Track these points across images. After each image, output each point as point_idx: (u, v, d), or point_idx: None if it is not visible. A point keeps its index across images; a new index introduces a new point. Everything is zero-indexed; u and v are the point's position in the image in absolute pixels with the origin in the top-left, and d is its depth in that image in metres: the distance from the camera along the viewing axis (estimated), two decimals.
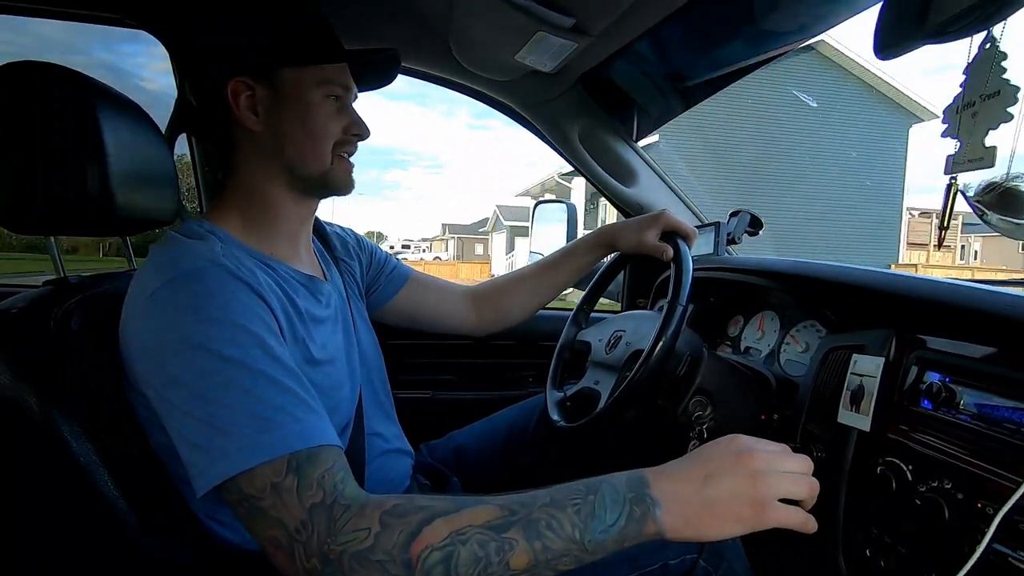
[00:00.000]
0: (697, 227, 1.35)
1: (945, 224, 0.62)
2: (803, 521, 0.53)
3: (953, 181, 0.59)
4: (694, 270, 1.18)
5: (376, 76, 0.82)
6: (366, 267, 1.01)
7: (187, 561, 0.67)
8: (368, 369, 0.87)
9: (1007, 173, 0.66)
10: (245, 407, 0.52)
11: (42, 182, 0.66)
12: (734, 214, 1.32)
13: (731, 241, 1.29)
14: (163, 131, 0.86)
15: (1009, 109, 0.52)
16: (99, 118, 0.68)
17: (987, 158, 0.55)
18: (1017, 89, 0.51)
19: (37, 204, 0.68)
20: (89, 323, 0.68)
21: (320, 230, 0.93)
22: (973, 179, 0.62)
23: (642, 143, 1.47)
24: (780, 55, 1.06)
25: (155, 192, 0.80)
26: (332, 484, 0.51)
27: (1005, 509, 0.51)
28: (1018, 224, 0.66)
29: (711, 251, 1.28)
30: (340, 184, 0.75)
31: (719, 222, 1.30)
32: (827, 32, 1.00)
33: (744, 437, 0.55)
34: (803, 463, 0.55)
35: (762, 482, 0.51)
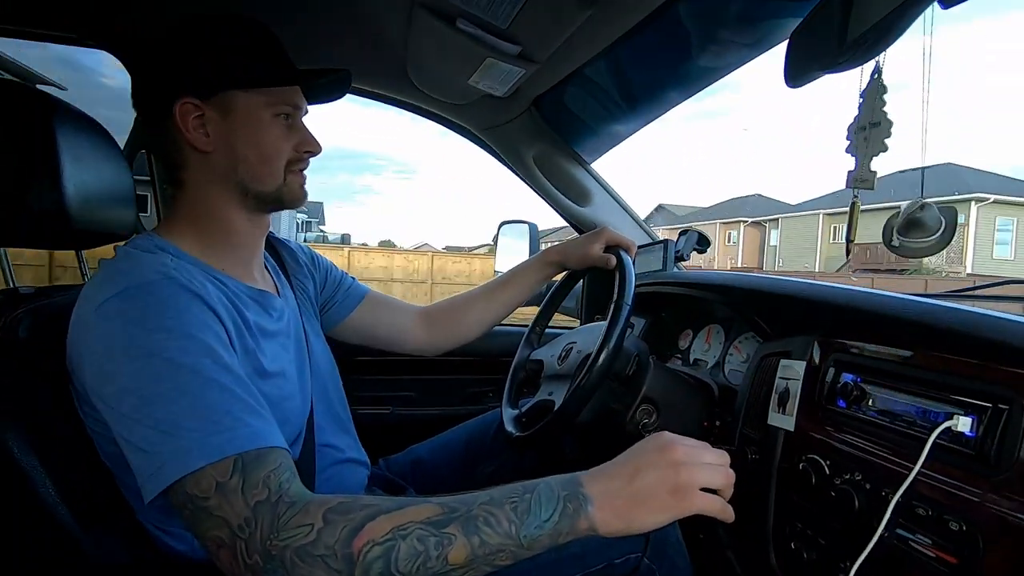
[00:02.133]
0: (647, 244, 1.42)
1: (851, 237, 0.67)
2: (721, 508, 0.56)
3: (855, 198, 0.65)
4: (644, 284, 1.23)
5: (326, 92, 0.83)
6: (320, 284, 1.01)
7: (133, 571, 0.66)
8: (322, 382, 0.88)
9: (920, 200, 0.72)
10: (194, 411, 0.53)
11: None
12: (683, 233, 1.39)
13: (679, 258, 1.35)
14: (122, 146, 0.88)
15: (886, 141, 0.58)
16: (56, 133, 0.70)
17: (869, 180, 0.61)
18: (891, 124, 0.58)
19: None
20: (37, 333, 0.68)
21: (273, 246, 0.94)
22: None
23: None
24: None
25: (112, 207, 0.81)
26: (277, 483, 0.52)
27: (898, 494, 0.55)
28: (922, 245, 0.73)
29: (660, 267, 1.34)
30: (293, 198, 0.76)
31: (668, 240, 1.36)
32: None
33: (667, 434, 0.59)
34: (720, 456, 0.59)
35: (684, 471, 0.54)
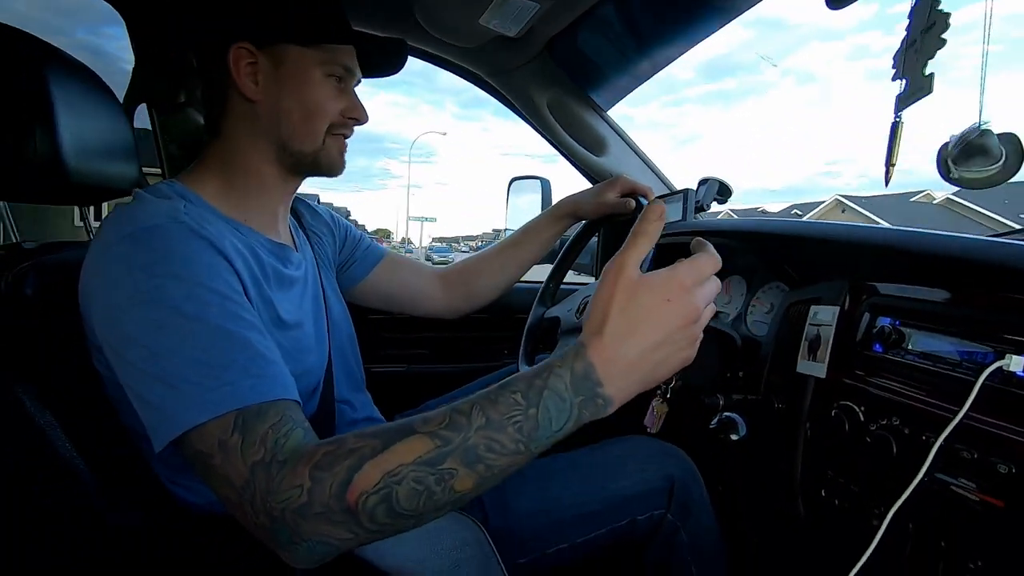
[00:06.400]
0: (667, 195, 1.37)
1: (892, 161, 0.63)
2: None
3: (898, 119, 0.61)
4: (664, 235, 1.19)
5: (382, 63, 0.81)
6: (340, 243, 1.01)
7: (148, 523, 0.66)
8: (338, 338, 0.87)
9: (979, 124, 0.65)
10: (197, 362, 0.51)
11: None
12: (703, 182, 1.34)
13: (699, 208, 1.30)
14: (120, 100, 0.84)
15: (942, 36, 0.54)
16: (48, 81, 0.66)
17: (927, 87, 0.56)
18: (948, 15, 0.53)
19: None
20: (43, 288, 0.67)
21: (293, 203, 0.92)
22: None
23: None
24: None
25: (112, 161, 0.78)
26: (274, 440, 0.49)
27: (943, 437, 0.52)
28: (984, 174, 0.66)
29: (680, 218, 1.29)
30: (330, 165, 0.75)
31: (688, 189, 1.31)
32: None
33: (690, 292, 0.49)
34: (713, 264, 0.52)
35: (695, 333, 0.50)
